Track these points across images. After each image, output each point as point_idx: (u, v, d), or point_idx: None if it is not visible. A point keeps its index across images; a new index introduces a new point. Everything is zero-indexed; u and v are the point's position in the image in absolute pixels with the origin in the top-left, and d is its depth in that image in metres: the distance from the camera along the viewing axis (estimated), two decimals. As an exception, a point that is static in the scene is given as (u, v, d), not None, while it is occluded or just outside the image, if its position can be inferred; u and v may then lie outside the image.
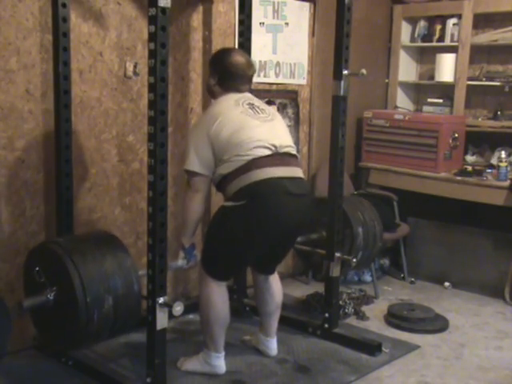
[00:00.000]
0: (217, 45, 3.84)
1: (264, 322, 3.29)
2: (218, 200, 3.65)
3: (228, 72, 2.99)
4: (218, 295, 2.99)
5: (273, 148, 2.85)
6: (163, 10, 2.46)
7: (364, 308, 4.01)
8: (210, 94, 3.12)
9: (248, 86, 3.07)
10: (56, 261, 2.65)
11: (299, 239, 3.51)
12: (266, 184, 2.80)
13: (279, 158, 2.87)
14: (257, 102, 3.03)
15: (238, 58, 3.01)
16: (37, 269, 2.73)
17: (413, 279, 4.63)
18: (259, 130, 2.86)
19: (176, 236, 3.60)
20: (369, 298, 4.17)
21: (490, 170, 4.36)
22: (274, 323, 3.28)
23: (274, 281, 3.25)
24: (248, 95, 3.04)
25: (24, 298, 2.79)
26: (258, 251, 3.01)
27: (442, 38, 4.87)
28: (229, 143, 2.82)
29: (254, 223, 2.83)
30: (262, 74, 4.11)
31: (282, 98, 4.30)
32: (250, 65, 3.04)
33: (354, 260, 3.54)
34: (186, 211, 2.94)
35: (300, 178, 2.96)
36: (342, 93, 3.33)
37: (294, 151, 2.99)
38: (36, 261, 2.78)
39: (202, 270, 3.04)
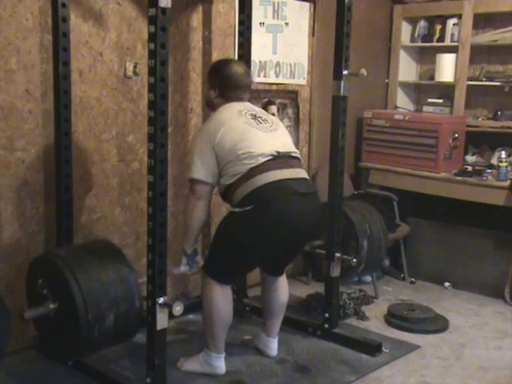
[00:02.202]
0: (216, 45, 3.85)
1: (267, 322, 3.29)
2: (217, 201, 3.66)
3: (229, 82, 3.00)
4: (222, 297, 2.99)
5: (276, 153, 2.86)
6: (163, 10, 2.46)
7: (364, 308, 4.01)
8: (211, 108, 3.09)
9: (248, 94, 3.08)
10: (59, 277, 2.66)
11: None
12: (272, 187, 2.81)
13: (282, 161, 2.88)
14: (259, 112, 3.03)
15: (237, 68, 3.04)
16: (40, 281, 2.75)
17: (413, 279, 4.63)
18: (263, 139, 2.87)
19: (176, 236, 3.60)
20: (369, 298, 4.17)
21: (490, 170, 4.36)
22: (276, 324, 3.28)
23: (282, 282, 3.25)
24: (250, 105, 3.05)
25: (26, 306, 2.82)
26: (266, 256, 3.01)
27: (442, 38, 4.87)
28: (232, 152, 2.82)
29: (262, 228, 2.81)
30: (261, 74, 4.11)
31: (281, 98, 4.30)
32: (248, 74, 3.09)
33: (355, 260, 3.54)
34: (188, 218, 2.95)
35: (305, 179, 2.96)
36: (342, 93, 3.33)
37: (297, 154, 3.00)
38: (39, 272, 2.79)
39: (204, 273, 3.03)
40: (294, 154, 2.97)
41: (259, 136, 2.87)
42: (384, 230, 3.83)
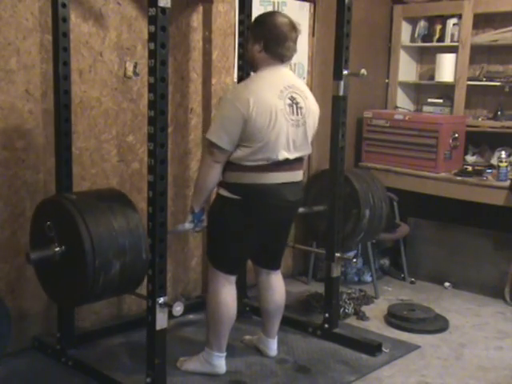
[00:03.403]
0: (216, 45, 3.84)
1: (265, 322, 3.29)
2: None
3: (274, 34, 2.85)
4: (228, 292, 3.00)
5: (285, 160, 2.87)
6: (163, 10, 2.46)
7: (364, 308, 4.01)
8: (253, 64, 2.96)
9: (294, 51, 2.93)
10: (68, 220, 2.61)
11: (303, 210, 3.53)
12: (265, 190, 2.86)
13: (287, 163, 2.89)
14: (299, 94, 2.91)
15: (282, 19, 2.90)
16: (48, 223, 2.69)
17: (413, 279, 4.63)
18: (284, 141, 2.83)
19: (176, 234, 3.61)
20: (369, 298, 4.17)
21: (490, 170, 4.35)
22: (275, 324, 3.28)
23: (277, 281, 3.25)
24: (295, 84, 2.92)
25: (30, 249, 2.75)
26: (256, 238, 3.03)
27: (442, 38, 4.87)
28: (255, 139, 2.78)
29: (249, 216, 2.90)
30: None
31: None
32: (293, 25, 2.92)
33: (355, 260, 3.55)
34: (202, 178, 2.91)
35: (298, 183, 3.01)
36: (341, 93, 3.33)
37: (305, 156, 3.03)
38: (47, 215, 2.73)
39: (210, 264, 3.06)
40: (302, 156, 2.99)
41: (284, 136, 2.83)
42: (385, 200, 3.86)
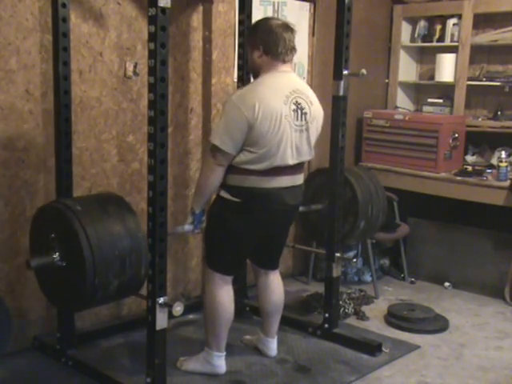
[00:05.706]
0: (216, 45, 3.84)
1: (264, 322, 3.29)
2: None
3: (270, 36, 2.84)
4: (224, 293, 3.01)
5: (287, 165, 2.88)
6: (163, 9, 2.46)
7: (364, 308, 4.01)
8: (255, 73, 2.95)
9: (294, 50, 2.90)
10: (72, 236, 2.60)
11: (301, 209, 3.47)
12: (266, 194, 2.87)
13: (289, 168, 2.90)
14: (305, 100, 2.90)
15: (275, 21, 2.92)
16: (52, 235, 2.69)
17: (413, 279, 4.63)
18: (287, 147, 2.83)
19: (176, 236, 3.61)
20: (369, 298, 4.17)
21: (490, 170, 4.36)
22: (274, 323, 3.28)
23: (276, 281, 3.26)
24: (300, 88, 2.91)
25: (30, 253, 2.78)
26: (255, 239, 3.04)
27: (442, 38, 4.87)
28: (258, 145, 2.78)
29: (248, 218, 2.92)
30: (261, 74, 4.10)
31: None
32: (287, 25, 2.90)
33: (355, 260, 3.56)
34: (203, 180, 2.90)
35: (299, 186, 3.02)
36: (341, 93, 3.33)
37: (306, 160, 3.03)
38: (50, 223, 2.73)
39: (206, 266, 3.07)
40: (303, 160, 2.99)
41: (287, 141, 2.82)
42: (384, 210, 3.89)
